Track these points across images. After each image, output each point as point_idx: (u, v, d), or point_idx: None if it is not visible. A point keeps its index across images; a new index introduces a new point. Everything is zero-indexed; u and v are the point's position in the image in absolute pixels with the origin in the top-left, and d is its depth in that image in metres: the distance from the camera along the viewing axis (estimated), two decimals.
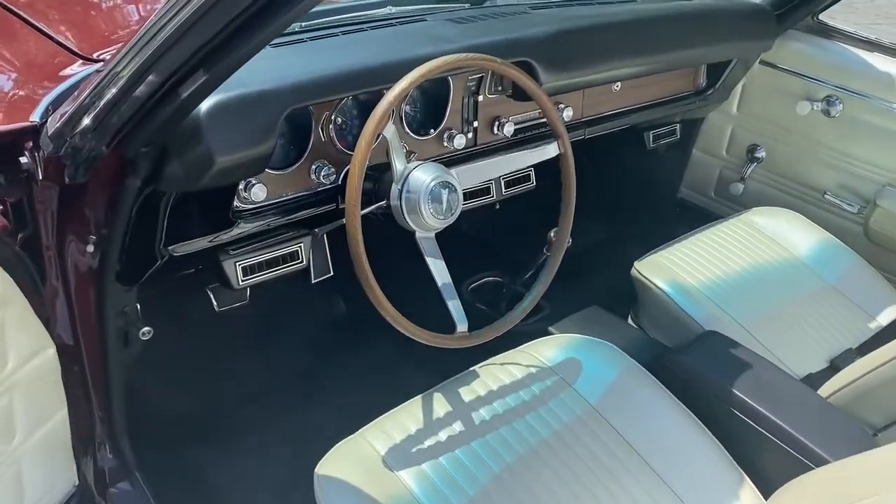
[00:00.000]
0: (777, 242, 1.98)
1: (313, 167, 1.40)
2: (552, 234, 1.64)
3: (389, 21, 1.60)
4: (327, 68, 1.29)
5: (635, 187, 2.53)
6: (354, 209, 1.16)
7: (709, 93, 2.20)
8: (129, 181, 1.13)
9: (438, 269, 1.29)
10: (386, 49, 1.38)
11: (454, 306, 1.28)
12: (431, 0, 1.79)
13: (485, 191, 1.81)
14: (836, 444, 1.35)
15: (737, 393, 1.43)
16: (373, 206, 1.30)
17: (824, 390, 1.50)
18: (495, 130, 1.69)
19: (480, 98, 1.63)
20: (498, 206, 1.90)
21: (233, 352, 1.91)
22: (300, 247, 1.50)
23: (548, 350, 1.50)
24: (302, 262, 1.50)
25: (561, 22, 1.62)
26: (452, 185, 1.29)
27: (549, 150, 1.39)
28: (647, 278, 1.80)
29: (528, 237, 1.92)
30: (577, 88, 1.69)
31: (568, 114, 1.80)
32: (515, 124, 1.71)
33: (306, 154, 1.38)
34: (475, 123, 1.65)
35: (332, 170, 1.41)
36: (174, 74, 0.90)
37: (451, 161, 1.62)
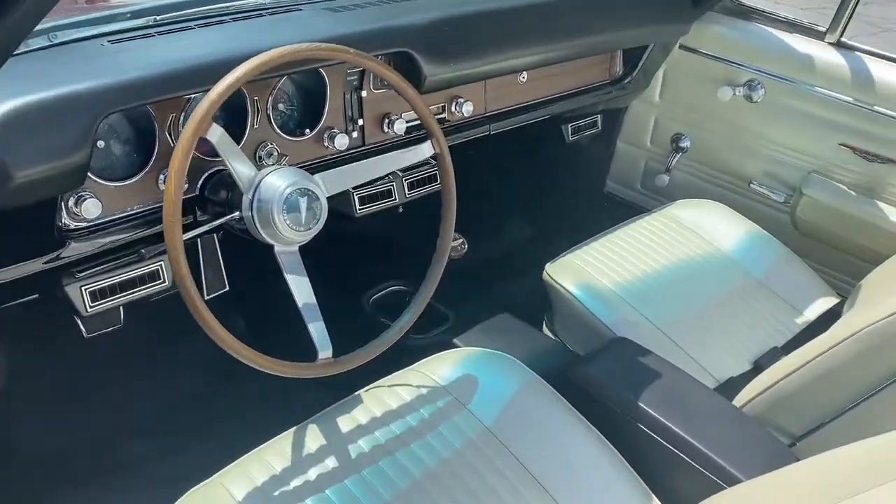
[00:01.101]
0: (700, 236, 1.87)
1: (162, 176, 1.25)
2: None
3: (259, 12, 1.45)
4: (163, 64, 1.15)
5: (558, 182, 2.42)
6: (172, 226, 1.01)
7: (627, 81, 2.08)
8: None
9: (300, 288, 1.15)
10: (239, 42, 1.24)
11: (316, 329, 1.15)
12: None
13: (386, 193, 1.68)
14: (750, 460, 1.24)
15: (643, 406, 1.31)
16: (224, 218, 1.16)
17: (740, 398, 1.40)
18: (385, 128, 1.55)
19: (364, 94, 1.49)
20: (402, 210, 1.77)
21: (109, 381, 1.74)
22: (161, 265, 1.35)
23: (442, 368, 1.37)
24: (164, 282, 1.35)
25: (447, 8, 1.48)
26: (312, 193, 1.15)
27: (424, 150, 1.26)
28: (557, 282, 1.68)
29: (434, 240, 1.79)
30: (470, 80, 1.56)
31: (468, 108, 1.67)
32: (407, 121, 1.57)
33: (152, 162, 1.23)
34: (360, 122, 1.51)
35: (184, 178, 1.26)
36: None
37: (334, 164, 1.48)
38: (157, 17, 1.37)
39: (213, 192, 1.27)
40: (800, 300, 1.77)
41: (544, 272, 1.73)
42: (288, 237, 1.14)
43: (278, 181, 1.13)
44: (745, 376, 1.57)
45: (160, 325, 1.77)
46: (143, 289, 1.33)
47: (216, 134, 1.07)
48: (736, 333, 1.66)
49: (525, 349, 1.58)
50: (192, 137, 1.02)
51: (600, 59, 2.01)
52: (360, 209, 1.63)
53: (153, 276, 1.35)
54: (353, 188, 1.61)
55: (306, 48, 1.08)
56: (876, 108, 1.82)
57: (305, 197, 1.14)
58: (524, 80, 1.81)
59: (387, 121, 1.54)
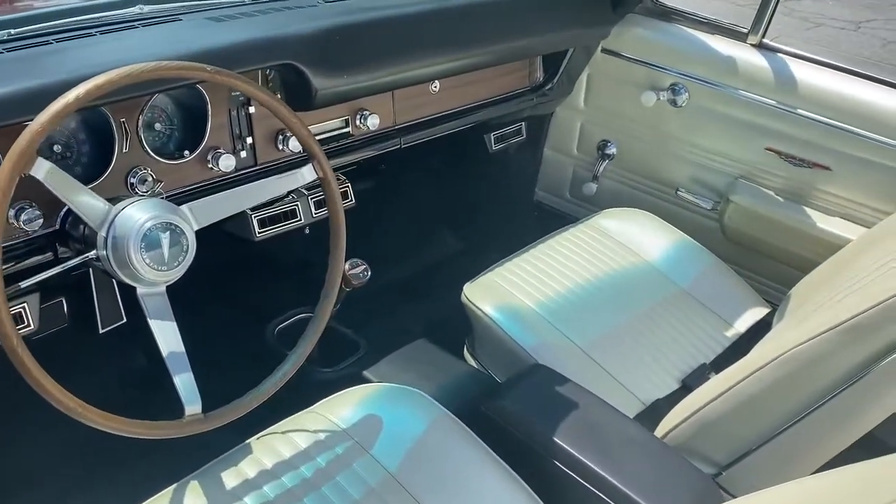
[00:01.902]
0: (627, 247, 1.79)
1: (13, 212, 1.11)
2: (347, 267, 1.40)
3: (132, 24, 1.32)
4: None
5: (485, 194, 2.32)
6: None
7: (548, 88, 2.00)
8: None
9: (165, 335, 1.02)
10: (90, 60, 1.10)
11: (183, 382, 1.02)
12: None
13: (289, 214, 1.56)
14: (671, 496, 1.16)
15: (559, 442, 1.22)
16: (76, 260, 1.03)
17: (663, 427, 1.31)
18: (279, 146, 1.43)
19: (252, 109, 1.37)
20: (308, 231, 1.65)
21: None
22: (24, 307, 1.21)
23: (343, 408, 1.26)
24: (29, 325, 1.21)
25: (340, 16, 1.37)
26: (176, 227, 1.02)
27: (304, 175, 1.14)
28: (475, 304, 1.58)
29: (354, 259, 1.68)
30: (371, 92, 1.45)
31: (373, 122, 1.56)
32: None
33: None
34: (250, 140, 1.39)
35: (39, 212, 1.12)
36: None
37: (222, 188, 1.35)
38: (13, 32, 1.23)
39: (73, 226, 1.14)
40: (729, 312, 1.71)
41: (462, 293, 1.63)
42: (149, 278, 1.01)
43: (137, 214, 1.01)
44: (672, 397, 1.50)
45: (51, 363, 1.61)
46: None
47: (42, 169, 0.93)
48: (664, 350, 1.58)
49: (441, 380, 1.47)
50: (10, 177, 0.89)
51: (519, 66, 1.92)
52: (259, 233, 1.51)
53: (18, 319, 1.21)
54: (251, 210, 1.49)
55: (148, 69, 0.95)
56: (799, 110, 1.76)
57: (168, 232, 1.01)
58: (437, 90, 1.71)
59: (281, 137, 1.42)
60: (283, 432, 1.22)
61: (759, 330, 1.68)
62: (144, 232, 0.99)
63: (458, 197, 2.28)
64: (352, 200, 1.67)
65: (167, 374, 1.77)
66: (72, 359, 1.53)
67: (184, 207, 1.06)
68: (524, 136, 2.16)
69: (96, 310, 1.39)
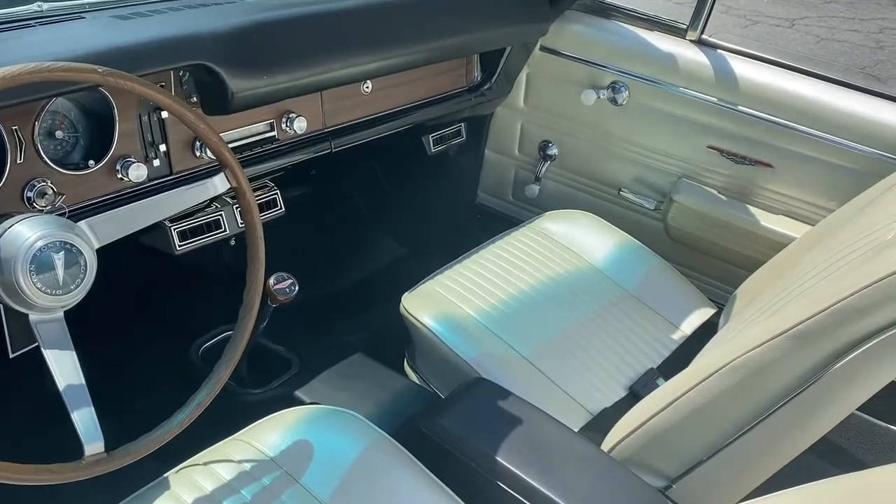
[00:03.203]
0: (570, 250, 1.74)
1: None
2: (271, 283, 1.31)
3: (28, 22, 1.20)
4: None
5: (424, 197, 2.24)
6: None
7: (486, 87, 1.93)
8: None
9: (62, 366, 0.92)
10: None
11: (82, 418, 0.92)
12: None
13: (212, 225, 1.46)
14: None
15: (500, 461, 1.15)
16: None
17: (609, 440, 1.26)
18: (197, 153, 1.33)
19: (165, 114, 1.27)
20: (234, 242, 1.55)
21: None
22: None
23: (270, 434, 1.17)
24: None
25: (257, 12, 1.28)
26: (72, 246, 0.92)
27: (216, 185, 1.05)
28: (413, 315, 1.50)
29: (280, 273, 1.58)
30: (294, 94, 1.35)
31: (300, 125, 1.47)
32: (229, 143, 1.35)
33: None
34: (163, 147, 1.28)
35: None
36: None
37: (134, 199, 1.25)
38: None
39: None
40: (675, 314, 1.67)
41: (401, 304, 1.55)
42: (43, 304, 0.91)
43: (25, 232, 0.90)
44: (619, 405, 1.45)
45: None
46: None
47: None
48: (609, 356, 1.53)
49: (379, 398, 1.39)
50: None
51: (455, 65, 1.85)
52: (180, 246, 1.40)
53: None
54: (170, 222, 1.39)
55: (27, 70, 0.85)
56: (739, 107, 1.73)
57: (63, 252, 0.91)
58: (369, 91, 1.63)
59: (198, 144, 1.32)
60: (204, 463, 1.12)
61: (706, 331, 1.65)
62: (34, 253, 0.89)
63: (396, 202, 2.20)
64: (281, 208, 1.58)
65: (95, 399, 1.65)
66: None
67: (82, 224, 0.96)
68: (464, 138, 2.09)
69: (5, 333, 1.27)
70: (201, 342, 1.61)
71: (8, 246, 0.89)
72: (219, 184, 1.04)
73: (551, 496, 1.11)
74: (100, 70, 0.91)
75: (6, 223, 0.91)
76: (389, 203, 2.20)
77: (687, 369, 1.21)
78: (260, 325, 1.40)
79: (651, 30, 1.86)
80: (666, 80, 1.82)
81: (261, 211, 1.50)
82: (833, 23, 6.94)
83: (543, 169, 2.10)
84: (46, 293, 0.90)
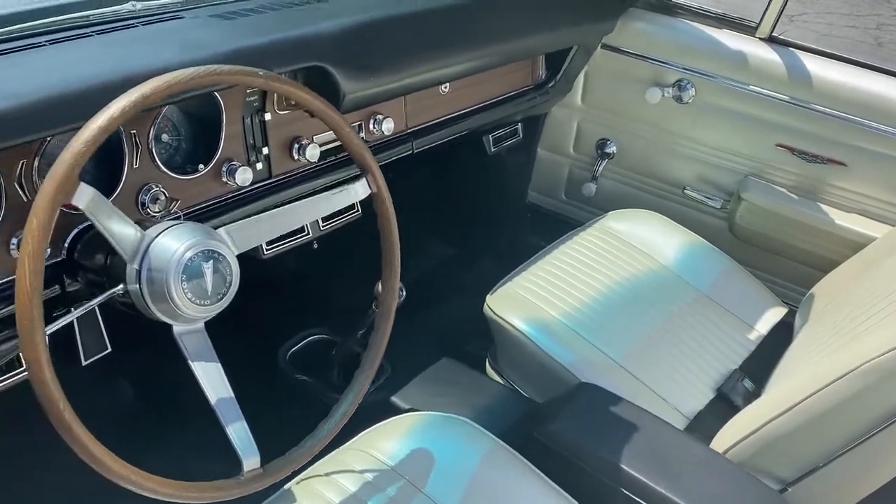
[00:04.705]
0: (640, 250, 1.73)
1: (15, 241, 0.96)
2: (379, 288, 1.29)
3: (129, 22, 1.17)
4: (8, 97, 0.86)
5: (479, 197, 2.22)
6: (31, 333, 0.75)
7: (550, 85, 1.91)
8: None
9: (211, 378, 0.89)
10: (108, 63, 0.96)
11: (237, 433, 0.89)
12: None
13: (297, 230, 1.43)
14: None
15: (624, 467, 1.14)
16: (103, 296, 0.89)
17: (722, 442, 1.25)
18: (295, 155, 1.30)
19: (268, 116, 1.24)
20: (316, 245, 1.52)
21: None
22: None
23: (387, 442, 1.15)
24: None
25: (362, 11, 1.25)
26: (219, 254, 0.90)
27: (358, 191, 1.03)
28: (502, 318, 1.48)
29: (360, 278, 1.56)
30: (394, 95, 1.33)
31: (388, 126, 1.44)
32: (321, 145, 1.33)
33: None
34: (265, 150, 1.25)
35: (42, 262, 0.97)
36: None
37: (236, 204, 1.22)
38: None
39: (85, 255, 0.99)
40: (749, 313, 1.66)
41: (485, 306, 1.53)
42: (190, 314, 0.88)
43: (173, 243, 0.87)
44: (711, 408, 1.44)
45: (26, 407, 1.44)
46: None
47: (85, 197, 0.80)
48: (693, 358, 1.52)
49: (476, 403, 1.38)
50: (52, 209, 0.75)
51: (522, 64, 1.83)
52: (267, 250, 1.38)
53: (10, 366, 1.06)
54: None
55: (204, 72, 0.82)
56: (812, 105, 1.73)
57: (211, 260, 0.89)
58: (447, 91, 1.60)
59: (296, 146, 1.30)
60: (325, 474, 1.10)
61: (781, 331, 1.64)
62: (186, 262, 0.86)
63: (452, 201, 2.17)
64: (358, 211, 1.56)
65: (154, 408, 1.62)
66: None
67: (221, 231, 0.93)
68: (521, 137, 2.07)
69: (77, 340, 1.24)
70: (287, 347, 1.58)
71: (158, 257, 0.86)
72: (360, 190, 1.02)
73: (678, 501, 1.10)
74: (261, 73, 0.88)
75: (149, 234, 0.88)
76: (444, 204, 2.18)
77: (806, 373, 1.20)
78: (359, 331, 1.38)
79: (718, 27, 1.84)
80: (735, 77, 1.81)
81: (338, 215, 1.49)
82: (831, 19, 6.97)
83: (601, 167, 2.08)
84: (195, 303, 0.88)
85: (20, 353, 1.03)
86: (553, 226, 2.21)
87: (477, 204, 2.24)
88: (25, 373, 1.05)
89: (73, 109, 0.86)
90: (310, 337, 1.62)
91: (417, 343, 1.66)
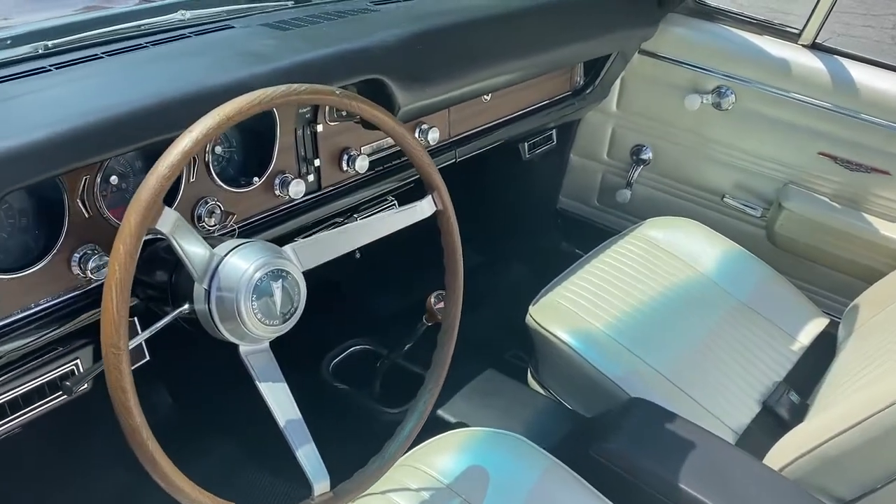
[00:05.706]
0: (679, 258, 1.71)
1: (76, 257, 0.95)
2: (432, 301, 1.27)
3: (182, 32, 1.16)
4: (78, 115, 0.85)
5: (511, 203, 2.20)
6: (117, 357, 0.73)
7: (587, 92, 1.89)
8: None
9: (279, 399, 0.88)
10: (176, 77, 0.95)
11: (306, 456, 0.88)
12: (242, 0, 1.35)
13: None
14: None
15: (684, 488, 1.12)
16: (170, 316, 0.87)
17: (778, 460, 1.23)
18: (344, 167, 1.29)
19: (319, 128, 1.22)
20: (359, 255, 1.50)
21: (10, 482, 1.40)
22: (76, 364, 1.04)
23: (440, 458, 1.14)
24: (85, 386, 1.04)
25: (416, 21, 1.23)
26: (286, 273, 0.88)
27: (424, 208, 1.01)
28: (546, 329, 1.47)
29: (404, 288, 1.54)
30: (445, 106, 1.32)
31: (433, 136, 1.43)
32: (369, 155, 1.32)
33: (61, 240, 0.93)
34: (317, 162, 1.24)
35: (107, 258, 0.96)
36: None
37: (287, 217, 1.21)
38: (49, 44, 1.06)
39: (146, 271, 0.97)
40: (790, 324, 1.64)
41: (528, 316, 1.52)
42: (258, 334, 0.87)
43: (243, 263, 0.86)
44: (758, 422, 1.43)
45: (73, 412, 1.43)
46: (47, 402, 1.02)
47: (169, 221, 0.78)
48: (737, 370, 1.51)
49: (523, 417, 1.36)
50: (139, 234, 0.74)
51: (562, 71, 1.81)
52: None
53: (64, 378, 1.04)
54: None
55: (286, 93, 0.81)
56: (857, 113, 1.70)
57: (280, 280, 0.87)
58: (489, 98, 1.59)
59: (346, 157, 1.28)
60: (382, 492, 1.09)
61: (824, 342, 1.63)
62: (256, 283, 0.85)
63: (485, 208, 2.16)
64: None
65: (191, 417, 1.60)
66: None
67: (287, 249, 0.92)
68: (555, 143, 2.05)
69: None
70: (330, 358, 1.56)
71: (228, 277, 0.85)
72: (426, 207, 1.00)
73: None
74: (336, 92, 0.87)
75: (217, 253, 0.86)
76: (476, 210, 2.16)
77: (866, 392, 1.18)
78: (406, 345, 1.37)
79: (760, 34, 1.82)
80: (777, 85, 1.79)
81: None
82: (846, 18, 6.91)
83: (636, 174, 2.06)
84: (264, 323, 0.86)
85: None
86: (584, 232, 2.19)
87: (508, 210, 2.22)
88: (64, 397, 1.04)
89: (150, 128, 0.85)
90: (351, 348, 1.60)
91: (455, 352, 1.64)
